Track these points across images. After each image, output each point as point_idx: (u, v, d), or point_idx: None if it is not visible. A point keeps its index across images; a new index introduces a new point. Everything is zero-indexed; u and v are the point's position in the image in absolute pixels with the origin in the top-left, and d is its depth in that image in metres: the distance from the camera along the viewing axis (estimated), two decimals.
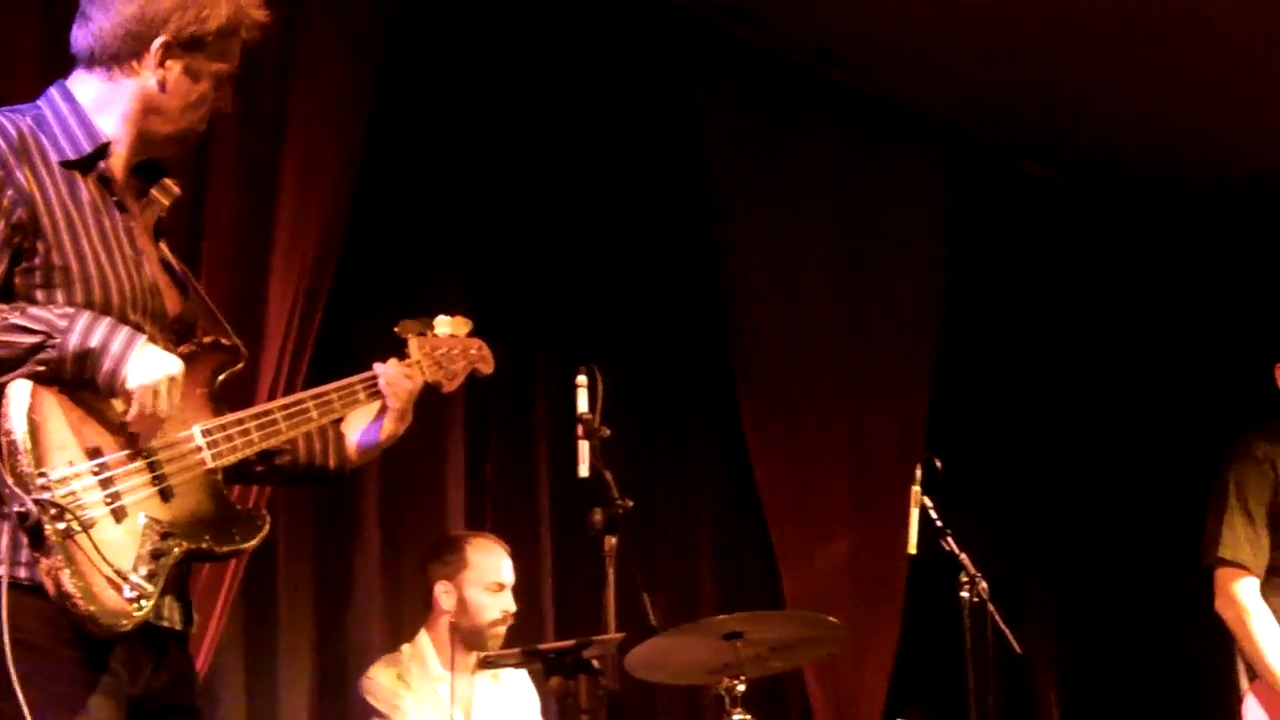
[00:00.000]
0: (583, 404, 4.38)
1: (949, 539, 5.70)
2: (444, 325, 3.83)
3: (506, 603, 5.45)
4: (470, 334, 3.88)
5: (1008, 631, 5.67)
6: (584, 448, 4.36)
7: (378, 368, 3.63)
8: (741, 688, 4.84)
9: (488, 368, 3.91)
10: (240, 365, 3.39)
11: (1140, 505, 8.92)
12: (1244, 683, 5.36)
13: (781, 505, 7.20)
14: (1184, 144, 8.33)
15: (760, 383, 7.18)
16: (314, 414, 3.46)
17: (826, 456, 7.32)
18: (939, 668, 6.83)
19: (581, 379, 4.40)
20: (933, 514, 5.72)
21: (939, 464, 5.77)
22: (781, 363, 7.24)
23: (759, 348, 7.20)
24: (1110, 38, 7.19)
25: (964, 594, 5.65)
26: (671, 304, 7.04)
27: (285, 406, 3.41)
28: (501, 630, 5.43)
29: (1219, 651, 5.61)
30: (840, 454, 7.36)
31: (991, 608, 5.69)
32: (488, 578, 5.43)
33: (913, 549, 5.76)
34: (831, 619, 5.21)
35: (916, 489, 5.68)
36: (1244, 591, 5.29)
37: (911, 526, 5.72)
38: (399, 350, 3.72)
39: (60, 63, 3.40)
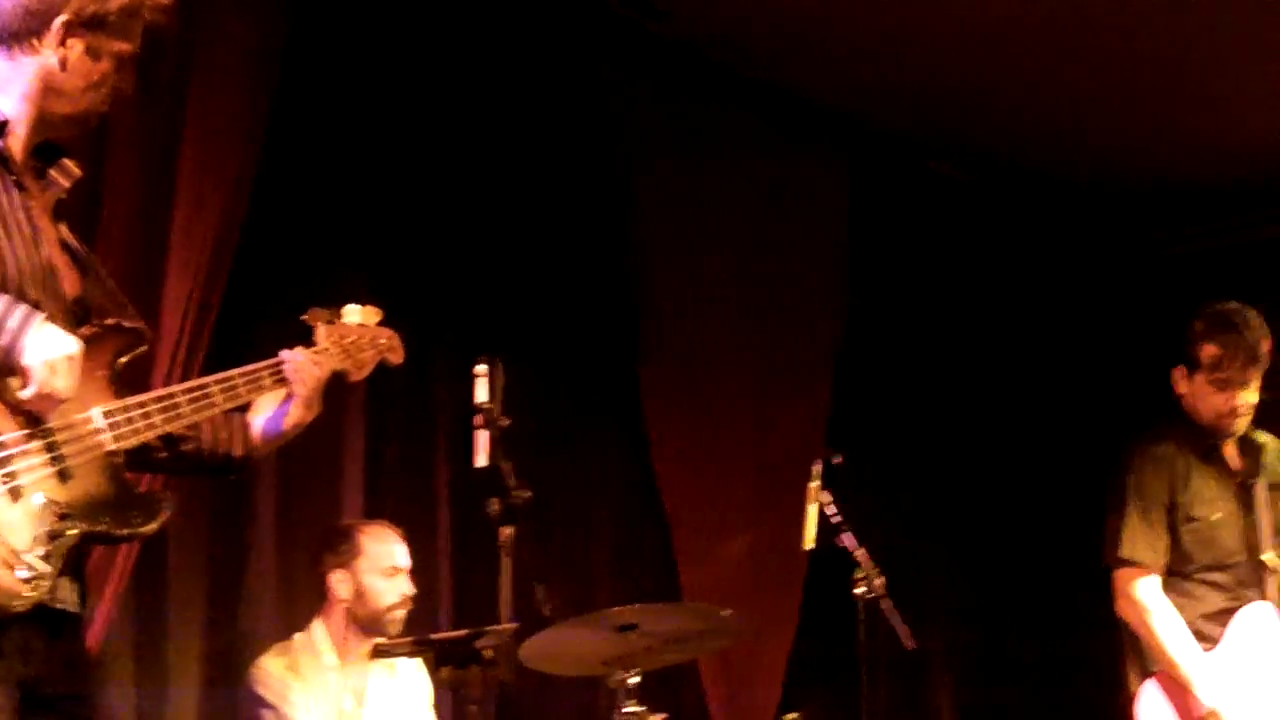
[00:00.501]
0: (482, 394, 4.36)
1: (845, 535, 5.74)
2: (353, 314, 3.82)
3: (404, 586, 5.44)
4: (380, 323, 3.87)
5: (900, 628, 5.71)
6: (482, 438, 4.35)
7: (284, 354, 3.61)
8: (635, 679, 4.86)
9: (397, 358, 3.90)
10: (143, 349, 3.37)
11: (1039, 504, 8.99)
12: (1134, 682, 5.42)
13: (681, 499, 7.23)
14: (1090, 145, 8.39)
15: (662, 376, 7.20)
16: (218, 399, 3.44)
17: (727, 451, 7.35)
18: (834, 663, 6.86)
19: (481, 369, 4.38)
20: (830, 510, 5.75)
21: (837, 460, 5.81)
22: (684, 357, 7.26)
23: (662, 342, 7.21)
24: (1020, 38, 7.22)
25: (859, 590, 5.70)
26: (576, 297, 7.03)
27: (189, 390, 3.39)
28: (401, 614, 5.42)
29: (1112, 651, 5.66)
30: (741, 448, 7.39)
31: (885, 604, 5.74)
32: (383, 563, 5.42)
33: (809, 544, 5.79)
34: (725, 612, 5.21)
35: (814, 485, 5.72)
36: (1144, 590, 5.36)
37: (809, 522, 5.75)
38: (306, 339, 3.70)
39: None
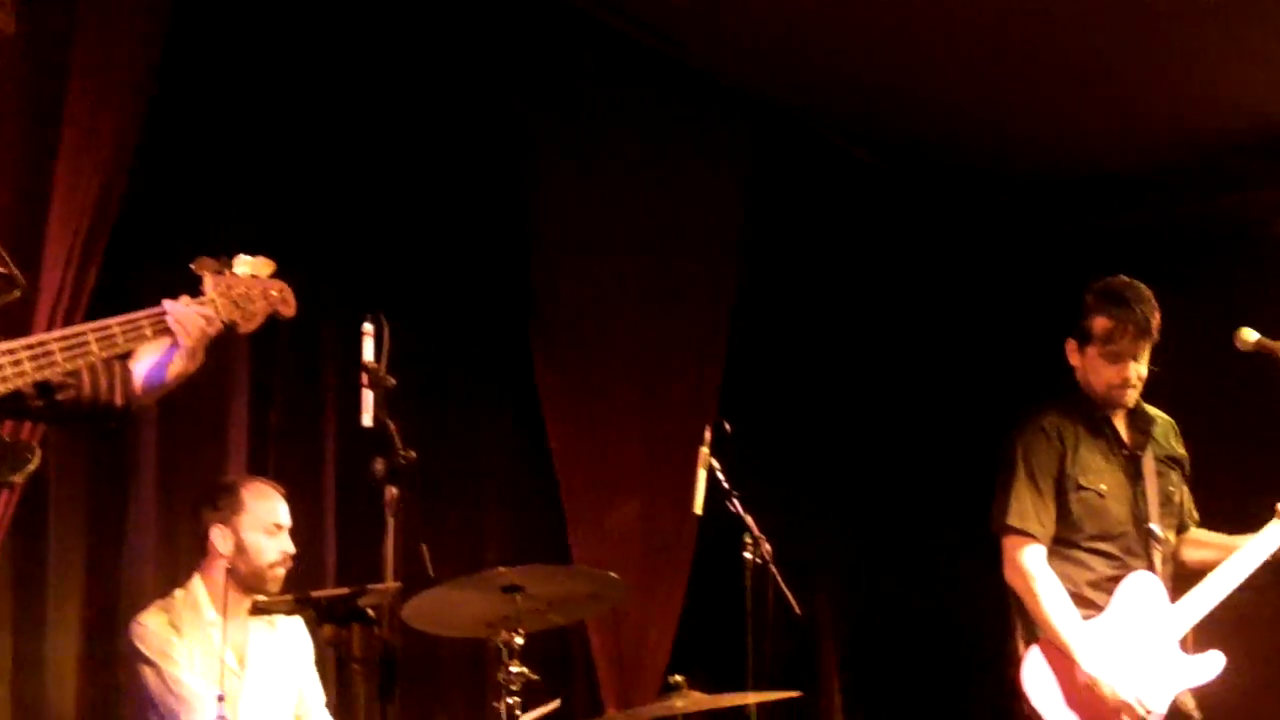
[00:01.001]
0: (368, 352, 4.34)
1: (735, 501, 5.74)
2: (244, 265, 3.77)
3: (285, 544, 5.38)
4: (273, 275, 3.81)
5: (789, 593, 5.72)
6: (368, 397, 4.32)
7: (166, 304, 3.56)
8: (520, 641, 4.83)
9: (289, 310, 3.86)
10: (16, 294, 3.30)
11: (929, 474, 9.04)
12: (1020, 648, 5.46)
13: (573, 462, 7.21)
14: (996, 134, 8.48)
15: (556, 339, 7.18)
16: (94, 347, 3.38)
17: (619, 415, 7.34)
18: (723, 628, 6.87)
19: (368, 326, 4.34)
20: (720, 476, 5.75)
21: (729, 427, 5.81)
22: (578, 320, 7.25)
23: (557, 305, 7.19)
24: (930, 22, 7.25)
25: (747, 555, 5.71)
26: (469, 258, 6.99)
27: (63, 338, 3.32)
28: (281, 572, 5.36)
29: (999, 617, 5.70)
30: (633, 413, 7.38)
31: (774, 569, 5.75)
32: (265, 520, 5.35)
33: (699, 510, 5.81)
34: (612, 575, 5.20)
35: (705, 450, 5.72)
36: (1030, 558, 5.41)
37: (698, 487, 5.76)
38: (195, 290, 3.64)
39: None
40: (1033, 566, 5.40)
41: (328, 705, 5.55)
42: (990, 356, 9.29)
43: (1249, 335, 5.19)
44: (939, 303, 9.22)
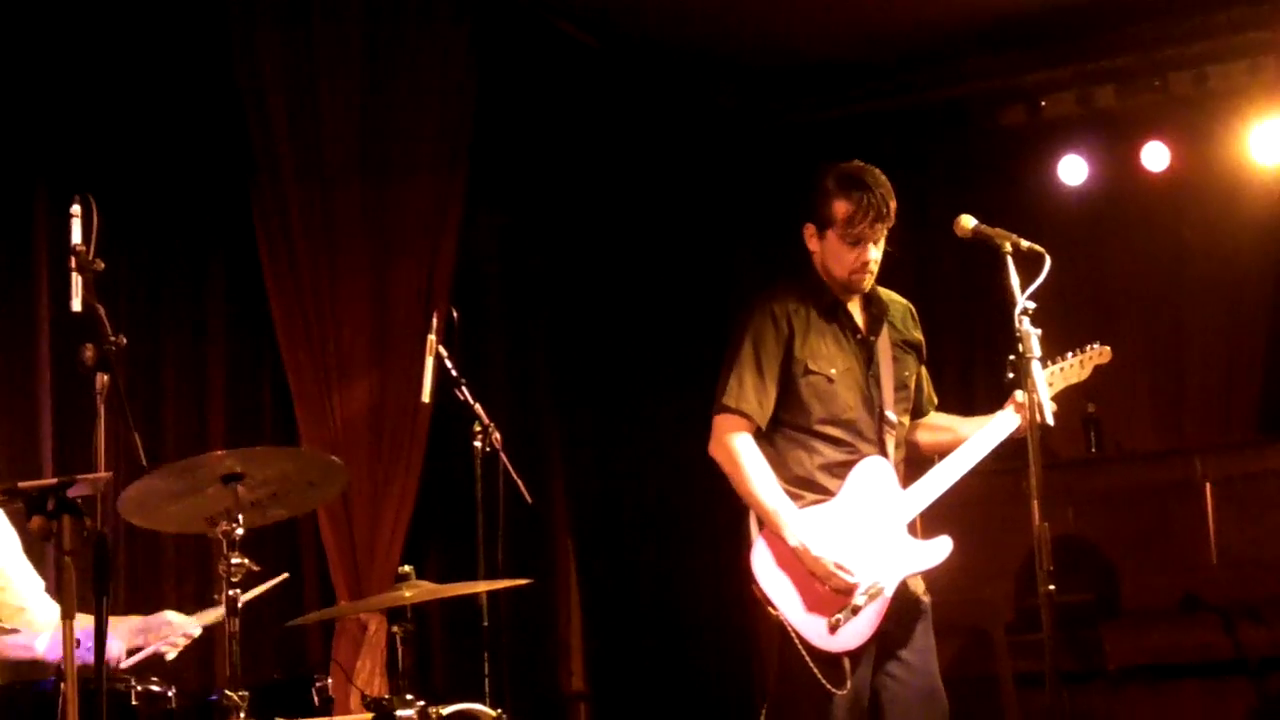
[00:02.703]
0: (76, 235, 4.18)
1: (463, 389, 5.68)
2: None
3: None
4: None
5: (519, 481, 5.69)
6: (77, 281, 4.18)
7: None
8: (240, 531, 4.71)
9: None
10: None
11: (664, 360, 9.09)
12: (754, 531, 5.48)
13: (299, 348, 7.12)
14: (708, 13, 8.42)
15: (280, 220, 7.07)
16: None
17: (347, 301, 7.23)
18: (456, 517, 6.84)
19: (76, 209, 4.19)
20: (448, 363, 5.69)
21: (456, 314, 5.74)
22: (303, 202, 7.12)
23: (279, 186, 7.06)
24: None
25: (477, 444, 5.66)
26: (189, 137, 6.83)
27: None
28: None
29: (737, 508, 5.71)
30: (361, 299, 7.27)
31: (504, 457, 5.71)
32: None
33: (427, 397, 5.75)
34: (334, 458, 5.04)
35: (432, 338, 5.66)
36: (738, 438, 5.41)
37: (426, 375, 5.69)
38: None
39: None
40: (739, 445, 5.40)
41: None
42: (722, 240, 9.34)
43: (967, 222, 5.21)
44: (670, 189, 9.22)
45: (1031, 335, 4.86)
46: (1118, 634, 7.55)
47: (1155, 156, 8.86)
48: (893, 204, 5.44)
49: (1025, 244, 5.04)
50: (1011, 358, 4.88)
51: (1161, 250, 9.07)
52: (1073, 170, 9.03)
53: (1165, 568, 7.67)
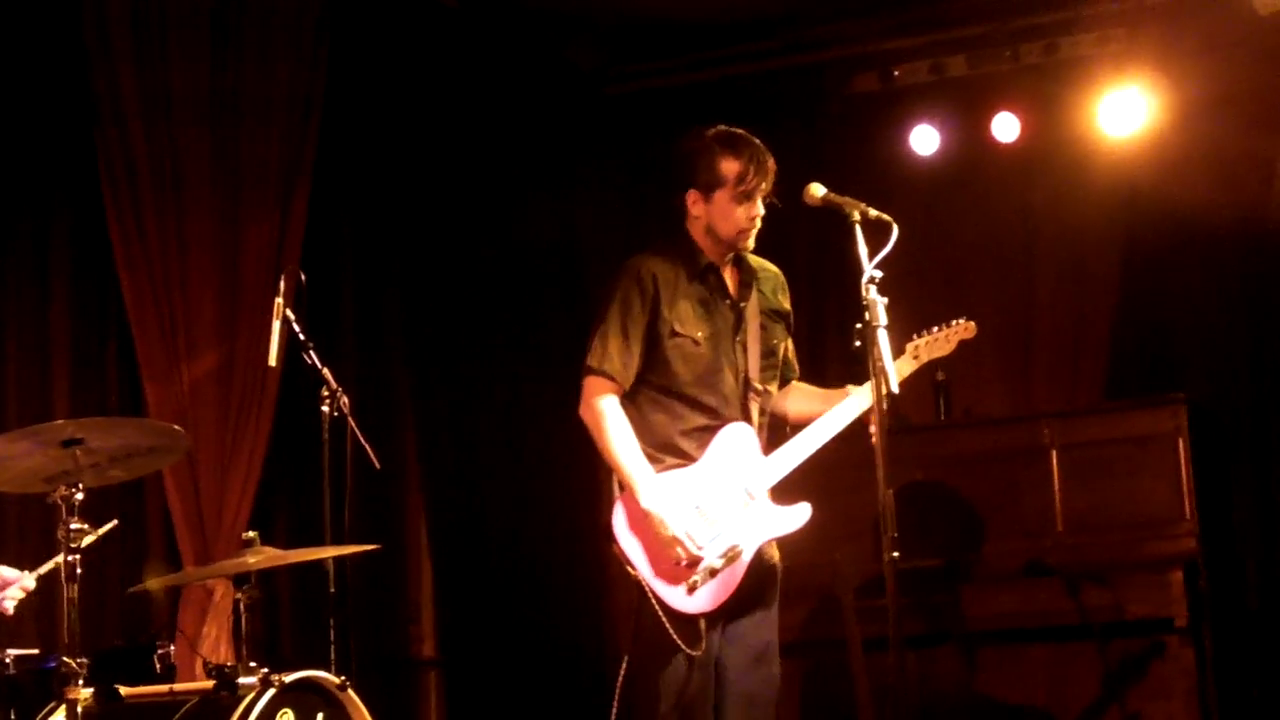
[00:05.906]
0: None
1: (311, 353, 5.62)
2: None
3: None
4: None
5: (368, 446, 5.64)
6: None
7: None
8: (80, 496, 4.65)
9: None
10: None
11: (519, 322, 9.05)
12: (616, 491, 5.49)
13: (147, 312, 7.05)
14: None
15: (126, 174, 7.00)
16: None
17: (195, 264, 7.16)
18: (304, 482, 6.79)
19: None
20: (296, 327, 5.63)
21: (304, 277, 5.68)
22: (151, 169, 7.06)
23: (127, 154, 7.00)
24: None
25: (325, 408, 5.61)
26: (32, 98, 6.73)
27: None
28: None
29: (593, 471, 5.71)
30: (209, 261, 7.19)
31: (352, 422, 5.66)
32: None
33: (274, 362, 5.68)
34: (175, 427, 5.05)
35: (279, 301, 5.60)
36: (604, 399, 5.43)
37: (273, 339, 5.63)
38: None
39: None
40: (605, 407, 5.42)
41: None
42: (569, 202, 9.30)
43: (817, 190, 5.22)
44: (523, 150, 9.16)
45: (878, 303, 4.88)
46: (966, 598, 7.62)
47: (1005, 127, 8.91)
48: (773, 160, 5.48)
49: (874, 213, 5.06)
50: (858, 325, 4.90)
51: (1011, 220, 9.13)
52: (924, 140, 9.08)
53: (1013, 532, 7.75)
